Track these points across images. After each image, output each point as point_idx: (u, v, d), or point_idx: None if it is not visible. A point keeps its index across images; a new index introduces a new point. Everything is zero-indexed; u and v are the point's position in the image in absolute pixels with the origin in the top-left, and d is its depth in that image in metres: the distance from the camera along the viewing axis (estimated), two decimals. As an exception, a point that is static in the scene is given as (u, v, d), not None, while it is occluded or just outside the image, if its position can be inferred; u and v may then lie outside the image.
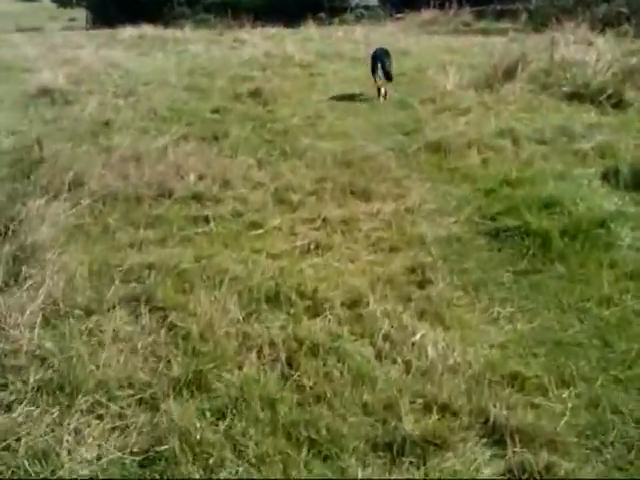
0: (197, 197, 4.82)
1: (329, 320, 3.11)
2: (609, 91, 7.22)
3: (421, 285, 3.52)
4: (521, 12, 26.26)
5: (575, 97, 7.54)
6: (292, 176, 5.24)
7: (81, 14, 40.24)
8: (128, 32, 22.47)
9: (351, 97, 8.92)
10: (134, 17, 32.28)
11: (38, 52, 16.09)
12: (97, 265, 3.69)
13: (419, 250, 3.94)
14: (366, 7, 38.69)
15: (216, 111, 7.79)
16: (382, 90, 8.82)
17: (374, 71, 9.06)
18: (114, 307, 3.25)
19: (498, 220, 4.26)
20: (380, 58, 9.18)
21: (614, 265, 3.58)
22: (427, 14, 28.32)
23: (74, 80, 9.51)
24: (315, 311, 3.20)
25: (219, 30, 27.96)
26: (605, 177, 4.73)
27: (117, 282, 3.46)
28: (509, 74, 8.47)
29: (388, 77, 8.96)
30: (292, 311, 3.18)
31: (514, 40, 14.63)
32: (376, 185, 5.04)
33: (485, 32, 18.96)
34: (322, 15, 35.29)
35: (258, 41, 19.26)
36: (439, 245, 4.00)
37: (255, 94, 8.45)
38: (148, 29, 23.43)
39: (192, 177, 5.04)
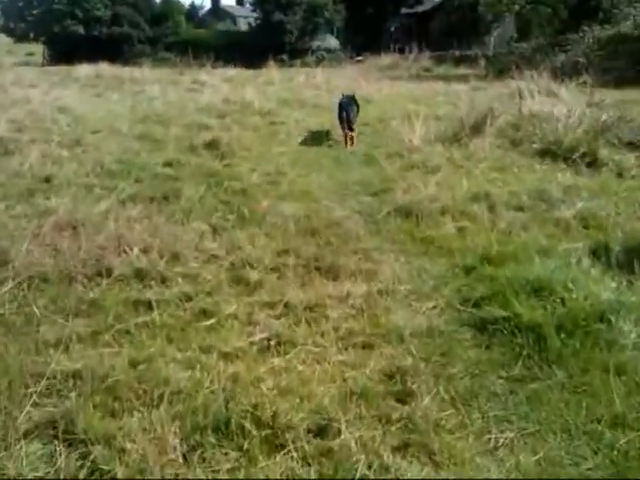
0: (140, 275, 4.18)
1: (292, 457, 2.51)
2: (582, 149, 6.95)
3: (402, 399, 2.95)
4: (479, 58, 26.76)
5: (547, 154, 7.24)
6: (250, 247, 4.65)
7: (39, 49, 39.42)
8: (84, 70, 21.84)
9: (314, 149, 8.48)
10: (93, 54, 31.70)
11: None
12: (10, 376, 3.00)
13: (397, 347, 3.38)
14: (327, 50, 39.04)
15: (169, 164, 7.20)
16: (348, 138, 8.57)
17: (341, 120, 8.77)
18: (24, 437, 2.59)
19: (482, 308, 3.74)
20: (346, 107, 8.88)
21: (622, 371, 3.08)
22: (387, 58, 28.60)
23: (18, 127, 8.83)
24: (275, 443, 2.59)
25: (179, 69, 27.56)
26: (594, 254, 4.29)
27: (31, 402, 2.79)
28: (477, 128, 8.17)
29: (350, 127, 8.66)
30: (246, 445, 2.56)
31: (476, 88, 14.62)
32: (345, 259, 4.49)
33: (446, 78, 19.03)
34: (283, 57, 35.42)
35: (217, 83, 18.89)
36: (419, 340, 3.45)
37: (212, 145, 7.90)
38: (105, 67, 22.84)
39: (135, 250, 4.40)
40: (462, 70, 23.93)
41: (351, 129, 8.77)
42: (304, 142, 9.01)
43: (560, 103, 9.26)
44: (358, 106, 9.78)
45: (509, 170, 6.87)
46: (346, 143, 8.73)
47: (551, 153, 7.23)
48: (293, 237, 4.94)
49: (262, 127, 9.88)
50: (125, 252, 4.42)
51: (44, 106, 11.61)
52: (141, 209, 5.37)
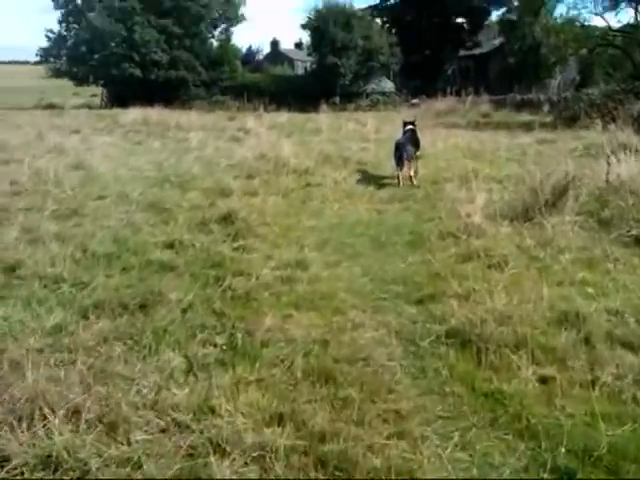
0: (49, 464, 2.70)
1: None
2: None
3: None
4: (543, 103, 24.84)
5: (649, 244, 5.45)
6: (230, 409, 3.11)
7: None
8: (132, 115, 21.24)
9: (349, 220, 6.97)
10: (150, 96, 31.55)
11: (24, 138, 14.61)
12: None
13: None
14: (382, 93, 37.86)
15: (170, 246, 5.80)
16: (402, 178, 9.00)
17: (397, 161, 9.11)
18: None
19: None
20: (402, 147, 9.20)
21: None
22: (444, 103, 26.99)
23: (16, 189, 7.72)
24: None
25: (230, 114, 26.83)
26: None
27: None
28: (554, 202, 6.45)
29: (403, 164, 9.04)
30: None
31: (544, 141, 12.82)
32: (366, 440, 2.89)
33: (507, 126, 17.25)
34: (336, 100, 34.41)
35: (263, 130, 17.80)
36: None
37: (227, 220, 6.48)
38: (153, 113, 22.22)
39: (57, 417, 2.94)
40: (524, 116, 22.07)
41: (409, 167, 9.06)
42: (339, 211, 7.50)
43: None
44: (417, 140, 9.88)
45: (601, 266, 5.10)
46: (399, 182, 9.00)
47: (655, 242, 5.44)
48: (297, 387, 3.37)
49: (294, 190, 8.44)
50: (44, 418, 2.96)
51: (70, 157, 10.67)
52: (100, 328, 3.93)
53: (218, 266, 5.23)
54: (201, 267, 5.24)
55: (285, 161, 9.63)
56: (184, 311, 4.27)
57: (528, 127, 16.65)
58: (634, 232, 5.61)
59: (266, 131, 18.23)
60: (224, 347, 3.78)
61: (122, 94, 32.02)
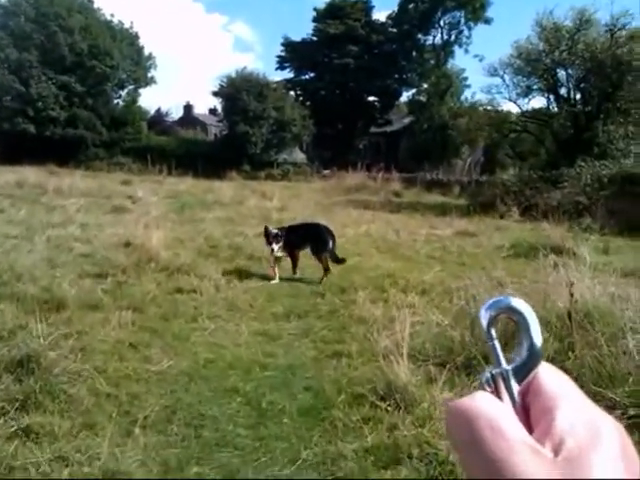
0: None
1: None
2: None
3: None
4: (453, 184, 24.15)
5: None
6: None
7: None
8: (4, 177, 18.13)
9: (223, 364, 4.71)
10: (44, 155, 28.33)
11: None
12: None
13: None
14: (294, 163, 36.52)
15: None
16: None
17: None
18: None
19: None
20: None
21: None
22: (355, 177, 25.74)
23: None
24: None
25: (127, 177, 24.17)
26: None
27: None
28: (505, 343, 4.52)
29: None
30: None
31: (465, 233, 11.28)
32: None
33: (421, 209, 15.81)
34: (247, 168, 32.63)
35: (155, 201, 15.44)
36: None
37: (24, 366, 4.02)
38: (31, 174, 19.20)
39: None
40: (436, 196, 21.09)
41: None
42: (212, 337, 5.26)
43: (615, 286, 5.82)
44: (326, 235, 7.77)
45: None
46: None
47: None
48: None
49: (156, 300, 6.08)
50: None
51: None
52: None
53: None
54: None
55: (153, 253, 7.27)
56: None
57: (442, 211, 15.35)
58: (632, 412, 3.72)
59: (159, 200, 15.87)
60: None
61: (14, 150, 28.62)
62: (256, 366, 4.68)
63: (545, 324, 5.09)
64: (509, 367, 0.47)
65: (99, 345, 4.76)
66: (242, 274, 7.34)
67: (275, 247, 7.36)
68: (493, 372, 0.47)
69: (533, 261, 8.49)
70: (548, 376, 0.46)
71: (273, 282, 7.33)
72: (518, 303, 0.49)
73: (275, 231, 7.47)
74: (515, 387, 0.46)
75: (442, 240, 10.21)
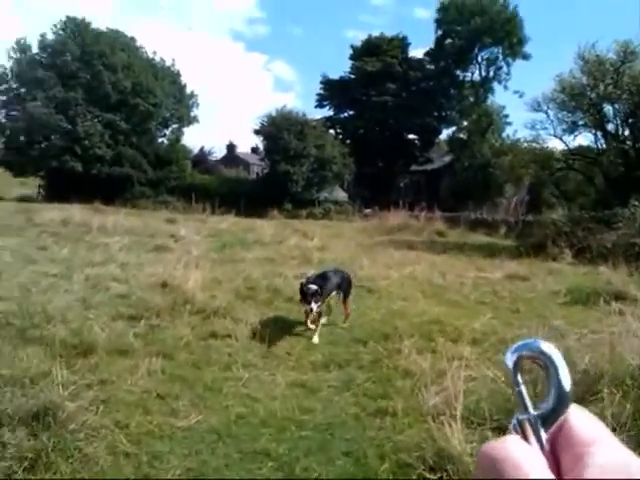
0: None
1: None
2: None
3: None
4: (499, 224, 23.40)
5: None
6: None
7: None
8: (50, 215, 18.42)
9: (256, 420, 4.30)
10: (91, 193, 28.93)
11: None
12: None
13: None
14: (335, 202, 36.34)
15: None
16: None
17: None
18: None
19: None
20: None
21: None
22: (397, 217, 25.21)
23: None
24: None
25: (172, 215, 24.33)
26: None
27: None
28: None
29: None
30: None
31: (515, 277, 10.64)
32: None
33: (466, 250, 15.21)
34: (288, 207, 32.62)
35: (198, 240, 15.36)
36: None
37: (39, 419, 3.70)
38: (77, 212, 19.43)
39: None
40: (481, 237, 20.42)
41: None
42: (245, 387, 4.86)
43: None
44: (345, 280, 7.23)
45: None
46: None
47: None
48: None
49: (189, 346, 5.75)
50: None
51: None
52: None
53: None
54: None
55: (190, 295, 6.98)
56: None
57: (490, 252, 14.72)
58: None
59: (201, 239, 15.78)
60: None
61: (61, 188, 29.40)
62: (291, 424, 4.25)
63: (615, 383, 4.53)
64: (536, 413, 0.46)
65: (124, 396, 4.42)
66: (279, 320, 6.96)
67: (315, 307, 6.27)
68: (520, 418, 0.46)
69: (592, 308, 7.88)
70: (579, 421, 0.46)
71: (315, 340, 6.35)
72: (546, 346, 0.49)
73: (314, 288, 6.30)
74: (543, 433, 0.45)
75: (492, 284, 9.62)
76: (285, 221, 26.33)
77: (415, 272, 10.42)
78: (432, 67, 42.13)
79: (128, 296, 7.34)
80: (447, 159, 40.73)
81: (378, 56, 41.66)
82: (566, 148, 23.38)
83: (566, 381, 0.47)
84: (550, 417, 0.46)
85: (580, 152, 23.47)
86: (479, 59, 41.28)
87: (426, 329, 6.58)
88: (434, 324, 6.77)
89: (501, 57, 40.67)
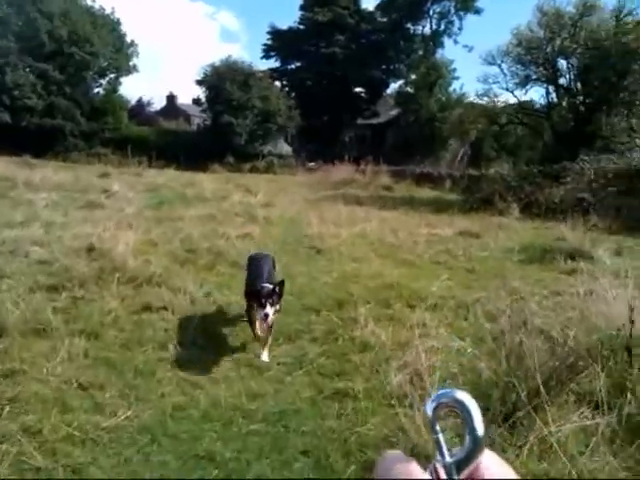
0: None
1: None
2: None
3: None
4: (444, 178, 23.17)
5: None
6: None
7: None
8: (-28, 169, 16.80)
9: (190, 433, 3.67)
10: (20, 146, 26.81)
11: None
12: None
13: None
14: (279, 155, 35.28)
15: None
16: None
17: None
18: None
19: None
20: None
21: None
22: (342, 171, 24.64)
23: None
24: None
25: (106, 169, 22.77)
26: None
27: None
28: (549, 392, 3.55)
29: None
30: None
31: (468, 233, 10.30)
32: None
33: (414, 204, 14.82)
34: (230, 160, 31.39)
35: (132, 196, 14.30)
36: None
37: None
38: (2, 166, 17.85)
39: None
40: (427, 191, 20.13)
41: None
42: (178, 375, 4.21)
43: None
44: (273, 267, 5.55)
45: None
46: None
47: None
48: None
49: (118, 321, 5.02)
50: None
51: None
52: None
53: None
54: None
55: (119, 261, 6.17)
56: None
57: (438, 207, 14.39)
58: None
59: (136, 195, 14.70)
60: None
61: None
62: (238, 415, 3.65)
63: (591, 354, 4.13)
64: (451, 460, 0.49)
65: (38, 389, 3.69)
66: (223, 285, 6.28)
67: (270, 312, 4.48)
68: (436, 464, 0.50)
69: (549, 268, 7.61)
70: (491, 466, 0.49)
71: (264, 358, 4.57)
72: (461, 395, 0.52)
73: (269, 286, 4.58)
74: (456, 477, 0.49)
75: (445, 242, 9.22)
76: (227, 175, 25.29)
77: (366, 230, 9.89)
78: (384, 20, 41.03)
79: (49, 262, 6.46)
80: (394, 113, 40.16)
81: (329, 6, 40.14)
82: (516, 102, 23.20)
83: (479, 427, 0.50)
84: (464, 463, 0.50)
85: (530, 106, 23.34)
86: (431, 12, 40.56)
87: (382, 294, 6.07)
88: (390, 288, 6.27)
89: (453, 11, 40.10)
